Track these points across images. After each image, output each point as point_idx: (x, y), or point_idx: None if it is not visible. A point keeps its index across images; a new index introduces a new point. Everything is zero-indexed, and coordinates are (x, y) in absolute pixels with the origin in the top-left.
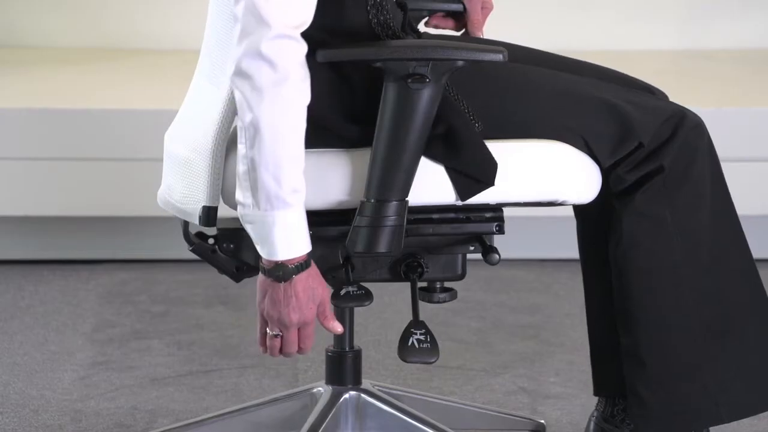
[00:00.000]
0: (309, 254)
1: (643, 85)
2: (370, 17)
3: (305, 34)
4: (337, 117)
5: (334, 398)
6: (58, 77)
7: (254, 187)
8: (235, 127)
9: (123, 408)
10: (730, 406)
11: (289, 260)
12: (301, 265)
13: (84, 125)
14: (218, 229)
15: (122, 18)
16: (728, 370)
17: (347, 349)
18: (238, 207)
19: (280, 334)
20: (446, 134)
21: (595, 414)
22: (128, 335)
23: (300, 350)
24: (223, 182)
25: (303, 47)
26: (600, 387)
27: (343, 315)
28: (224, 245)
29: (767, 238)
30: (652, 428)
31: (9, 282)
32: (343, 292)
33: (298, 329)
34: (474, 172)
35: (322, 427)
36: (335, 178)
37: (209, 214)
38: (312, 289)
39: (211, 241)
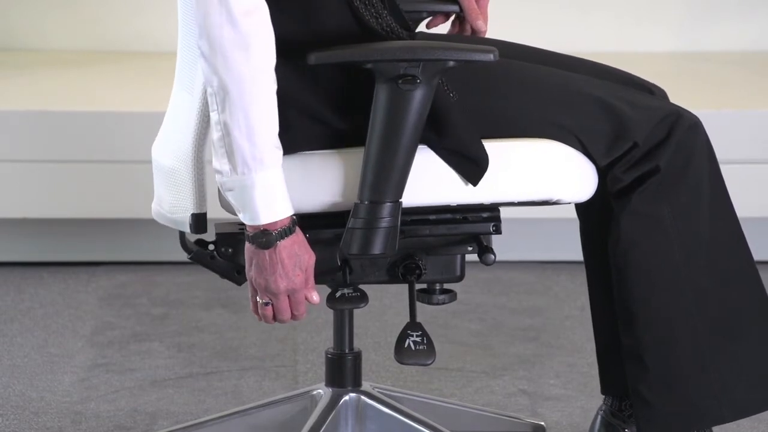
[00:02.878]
0: (293, 219)
1: (643, 83)
2: (361, 11)
3: (288, 41)
4: (331, 118)
5: (334, 400)
6: (58, 80)
7: (230, 152)
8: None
9: (123, 410)
10: (732, 405)
11: (272, 225)
12: (285, 231)
13: (84, 127)
14: (216, 234)
15: (121, 20)
16: (731, 369)
17: (347, 351)
18: (216, 176)
19: (270, 302)
20: (433, 117)
21: (602, 408)
22: (128, 337)
23: (294, 317)
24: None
25: (264, 7)
26: (607, 386)
27: (343, 317)
28: (222, 249)
29: (766, 240)
30: (655, 428)
31: (9, 284)
32: (338, 294)
33: (288, 296)
34: (466, 150)
35: (321, 430)
36: (328, 180)
37: (198, 221)
38: (297, 256)
39: (210, 247)
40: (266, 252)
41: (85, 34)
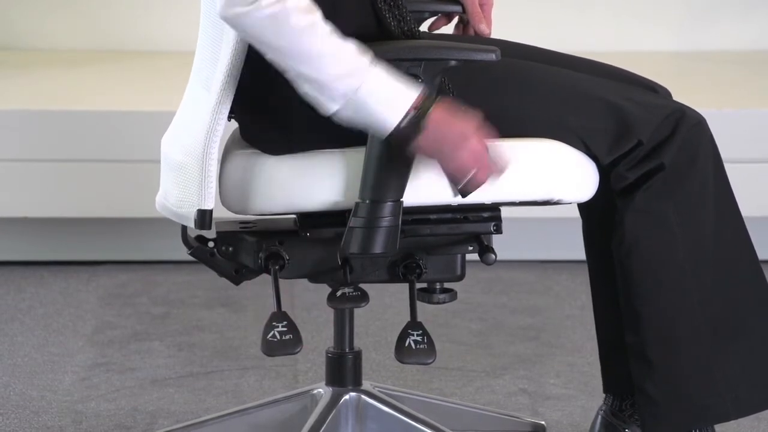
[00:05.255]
0: (422, 94)
1: (646, 82)
2: (384, 13)
3: None
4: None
5: (335, 399)
6: (58, 79)
7: (324, 94)
8: (234, 131)
9: (123, 409)
10: (736, 402)
11: (404, 118)
12: (423, 108)
13: (84, 127)
14: (217, 233)
15: (122, 20)
16: (735, 367)
17: (347, 350)
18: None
19: (475, 170)
20: None
21: (603, 408)
22: (128, 337)
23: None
24: (219, 185)
25: None
26: (609, 384)
27: (343, 316)
28: (223, 248)
29: (766, 240)
30: (660, 425)
31: (9, 283)
32: (338, 293)
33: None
34: None
35: (322, 429)
36: (330, 179)
37: (204, 217)
38: (450, 112)
39: (210, 244)
40: (428, 129)
41: (86, 33)
